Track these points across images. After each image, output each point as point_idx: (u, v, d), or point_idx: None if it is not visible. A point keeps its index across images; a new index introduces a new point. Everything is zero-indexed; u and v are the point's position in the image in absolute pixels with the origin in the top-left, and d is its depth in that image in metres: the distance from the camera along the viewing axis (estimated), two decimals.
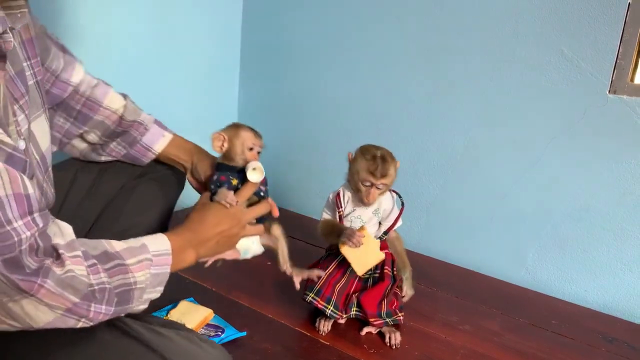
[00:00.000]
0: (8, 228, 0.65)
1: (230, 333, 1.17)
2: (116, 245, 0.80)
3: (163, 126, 1.18)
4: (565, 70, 1.46)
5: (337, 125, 1.92)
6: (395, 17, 1.72)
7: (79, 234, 0.80)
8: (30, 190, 0.69)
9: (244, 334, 1.18)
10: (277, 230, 1.18)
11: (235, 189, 1.08)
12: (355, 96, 1.86)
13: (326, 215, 1.26)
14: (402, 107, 1.76)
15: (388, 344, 1.20)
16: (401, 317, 1.22)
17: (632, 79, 1.39)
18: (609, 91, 1.41)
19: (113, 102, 1.13)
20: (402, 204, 1.24)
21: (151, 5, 1.74)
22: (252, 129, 1.13)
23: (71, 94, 1.10)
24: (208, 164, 1.16)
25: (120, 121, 1.12)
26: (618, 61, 1.38)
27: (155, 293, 0.84)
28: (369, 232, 1.18)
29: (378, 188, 1.16)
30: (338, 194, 1.24)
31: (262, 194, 1.11)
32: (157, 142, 1.15)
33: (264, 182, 1.12)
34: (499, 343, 1.26)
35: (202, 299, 1.30)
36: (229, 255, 1.07)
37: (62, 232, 0.74)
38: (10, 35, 0.75)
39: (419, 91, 1.72)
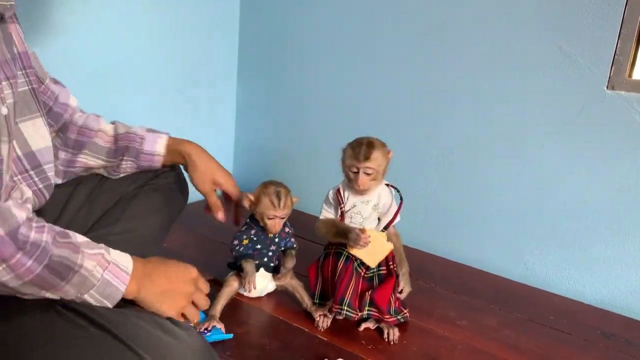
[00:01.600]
0: None
1: (216, 333, 1.15)
2: (79, 237, 0.80)
3: (155, 130, 1.22)
4: (563, 66, 1.46)
5: (336, 122, 1.92)
6: (393, 15, 1.72)
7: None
8: None
9: (231, 336, 1.16)
10: (288, 275, 1.31)
11: (269, 239, 1.27)
12: (352, 93, 1.86)
13: (326, 213, 1.26)
14: (401, 103, 1.76)
15: (386, 340, 1.20)
16: (407, 314, 1.25)
17: (630, 75, 1.39)
18: (607, 87, 1.41)
19: (104, 126, 1.19)
20: (401, 198, 1.24)
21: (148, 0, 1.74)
22: (276, 196, 1.22)
23: (69, 120, 1.16)
24: (205, 177, 1.20)
25: (115, 139, 1.18)
26: (616, 57, 1.38)
27: (101, 304, 0.80)
28: (369, 228, 1.18)
29: (366, 173, 1.16)
30: (338, 190, 1.23)
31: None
32: (157, 144, 1.19)
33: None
34: (497, 339, 1.26)
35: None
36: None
37: (22, 195, 0.78)
38: None
39: (417, 87, 1.72)
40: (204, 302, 0.96)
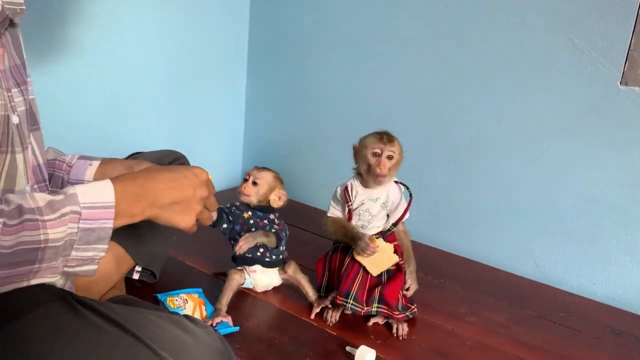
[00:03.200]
0: None
1: (222, 327, 1.15)
2: (39, 200, 0.71)
3: (89, 157, 1.08)
4: (575, 61, 1.45)
5: (344, 116, 1.91)
6: (404, 8, 1.71)
7: None
8: None
9: (237, 329, 1.16)
10: (290, 268, 1.31)
11: (244, 221, 1.26)
12: (362, 87, 1.85)
13: (333, 209, 1.26)
14: (410, 98, 1.75)
15: (395, 335, 1.20)
16: (415, 310, 1.25)
17: None
18: (621, 83, 1.39)
19: None
20: (410, 195, 1.23)
21: None
22: (258, 165, 1.30)
23: None
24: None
25: None
26: (630, 52, 1.36)
27: (93, 251, 0.74)
28: (379, 238, 1.19)
29: (388, 158, 1.17)
30: (346, 188, 1.23)
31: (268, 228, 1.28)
32: (86, 172, 1.05)
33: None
34: (506, 335, 1.26)
35: (210, 289, 1.30)
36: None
37: None
38: None
39: (427, 82, 1.71)
40: (214, 204, 0.89)
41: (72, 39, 1.54)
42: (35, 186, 0.91)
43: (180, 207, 0.82)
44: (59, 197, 0.72)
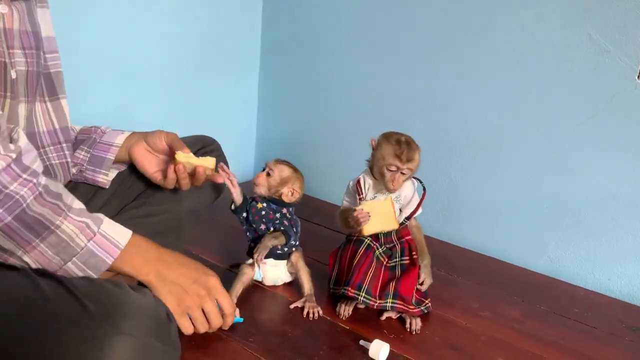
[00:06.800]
0: None
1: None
2: (74, 204, 0.82)
3: (121, 130, 1.17)
4: (592, 55, 1.43)
5: (358, 111, 1.91)
6: (417, 1, 1.70)
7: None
8: None
9: (241, 320, 1.16)
10: (294, 255, 1.30)
11: (256, 211, 1.26)
12: (376, 81, 1.85)
13: (346, 203, 1.26)
14: (424, 92, 1.74)
15: (408, 330, 1.20)
16: (429, 304, 1.25)
17: None
18: (638, 76, 1.37)
19: (72, 125, 1.17)
20: (424, 189, 1.23)
21: None
22: (267, 165, 1.28)
23: None
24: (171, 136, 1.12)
25: (78, 132, 1.17)
26: None
27: (82, 273, 0.81)
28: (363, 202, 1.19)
29: (403, 173, 1.16)
30: (358, 181, 1.23)
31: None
32: (117, 137, 1.14)
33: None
34: (520, 330, 1.25)
35: (223, 283, 1.29)
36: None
37: (19, 138, 0.79)
38: None
39: (441, 75, 1.70)
40: (215, 318, 0.94)
41: (81, 34, 1.55)
42: (52, 147, 1.01)
43: (177, 289, 0.90)
44: (90, 214, 0.83)
